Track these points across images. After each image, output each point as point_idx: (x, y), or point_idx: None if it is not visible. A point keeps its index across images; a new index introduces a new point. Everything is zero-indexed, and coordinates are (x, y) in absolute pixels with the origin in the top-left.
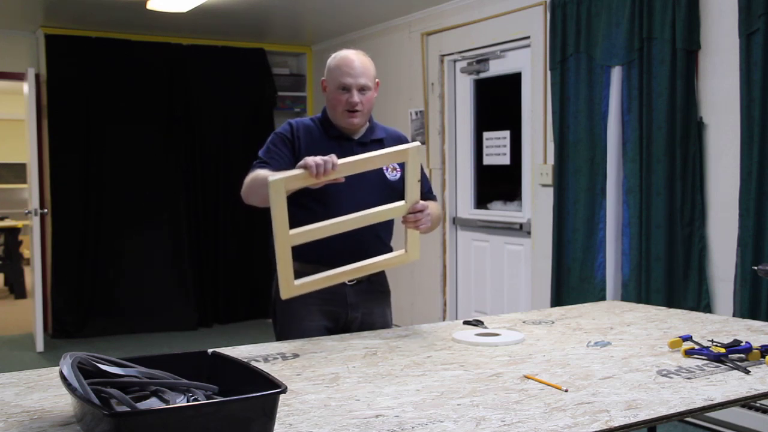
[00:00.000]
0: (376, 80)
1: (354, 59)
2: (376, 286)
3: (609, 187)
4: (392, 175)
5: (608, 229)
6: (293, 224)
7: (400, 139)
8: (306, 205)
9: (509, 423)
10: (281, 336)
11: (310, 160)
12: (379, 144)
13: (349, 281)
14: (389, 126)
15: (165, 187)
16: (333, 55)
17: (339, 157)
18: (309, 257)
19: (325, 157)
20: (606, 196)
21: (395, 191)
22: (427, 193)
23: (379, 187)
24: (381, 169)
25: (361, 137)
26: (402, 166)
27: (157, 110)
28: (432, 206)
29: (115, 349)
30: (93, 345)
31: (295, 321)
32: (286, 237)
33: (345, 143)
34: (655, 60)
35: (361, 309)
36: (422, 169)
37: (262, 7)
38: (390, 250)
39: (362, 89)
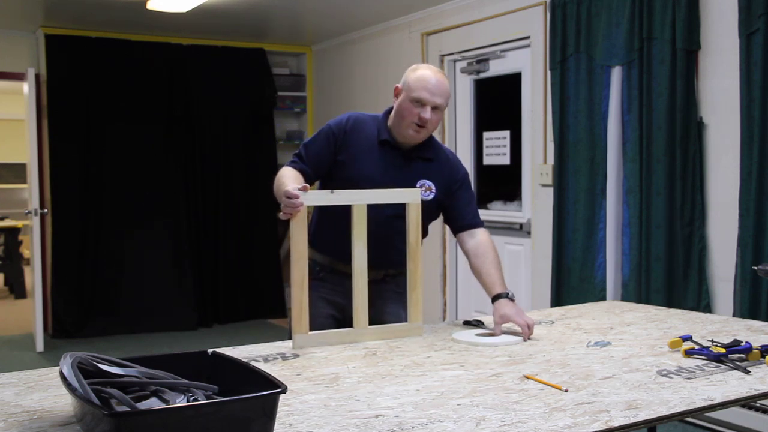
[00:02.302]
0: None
1: (438, 78)
2: (392, 285)
3: (609, 187)
4: (425, 194)
5: (608, 229)
6: (318, 231)
7: (453, 165)
8: (332, 213)
9: (509, 423)
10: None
11: (284, 212)
12: (426, 162)
13: None
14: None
15: (165, 187)
16: (413, 67)
17: (379, 163)
18: (327, 249)
19: (292, 199)
20: (606, 196)
21: (426, 210)
22: (472, 220)
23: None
24: (415, 186)
25: (410, 150)
26: (436, 186)
27: (157, 110)
28: (487, 244)
29: (115, 349)
30: (93, 345)
31: (313, 311)
32: (305, 285)
33: (390, 151)
34: (655, 60)
35: (372, 307)
36: (466, 193)
37: (262, 7)
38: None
39: (435, 108)
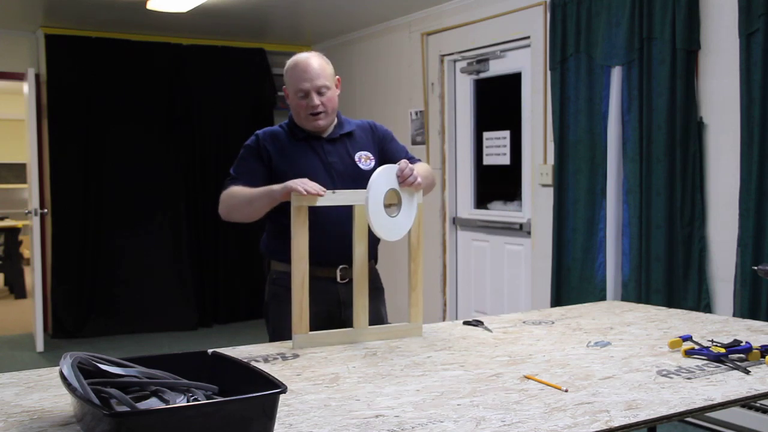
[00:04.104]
0: (336, 77)
1: (308, 62)
2: (368, 283)
3: (609, 187)
4: (366, 164)
5: (608, 229)
6: (281, 229)
7: (372, 128)
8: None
9: (509, 423)
10: (274, 339)
11: (298, 187)
12: (349, 137)
13: (341, 279)
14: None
15: (165, 187)
16: (288, 62)
17: (313, 156)
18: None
19: (311, 188)
20: (606, 196)
21: None
22: (410, 160)
23: (354, 180)
24: (354, 161)
25: (330, 134)
26: (375, 156)
27: (157, 110)
28: (418, 166)
29: (115, 349)
30: (93, 345)
31: (287, 323)
32: (305, 285)
33: (314, 142)
34: (655, 60)
35: (351, 308)
36: (396, 142)
37: (262, 7)
38: (377, 242)
39: (320, 91)
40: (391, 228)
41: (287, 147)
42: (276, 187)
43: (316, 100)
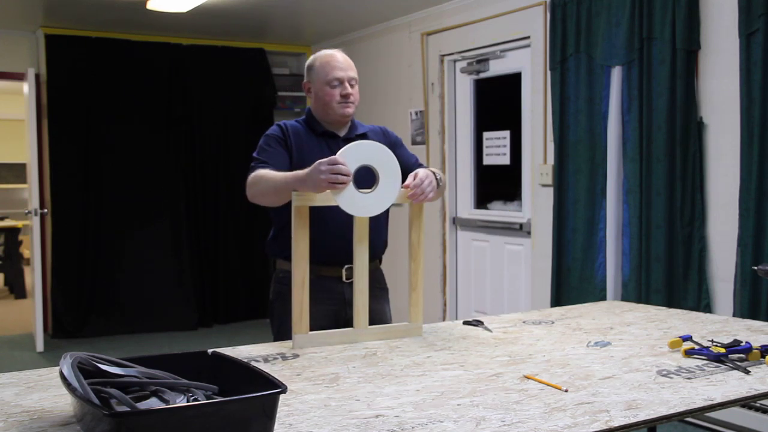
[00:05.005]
0: None
1: (338, 55)
2: (374, 283)
3: (609, 187)
4: None
5: (608, 229)
6: (288, 228)
7: (384, 133)
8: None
9: (509, 423)
10: (278, 338)
11: (322, 181)
12: (364, 138)
13: (346, 278)
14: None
15: (165, 187)
16: (312, 57)
17: (326, 153)
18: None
19: (337, 165)
20: (606, 196)
21: None
22: (414, 165)
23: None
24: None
25: (347, 134)
26: None
27: (157, 110)
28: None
29: (115, 349)
30: (93, 345)
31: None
32: (305, 285)
33: (331, 140)
34: (655, 60)
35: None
36: (405, 149)
37: (262, 7)
38: (385, 245)
39: (350, 82)
40: (363, 205)
41: (305, 142)
42: (298, 179)
43: (349, 88)
